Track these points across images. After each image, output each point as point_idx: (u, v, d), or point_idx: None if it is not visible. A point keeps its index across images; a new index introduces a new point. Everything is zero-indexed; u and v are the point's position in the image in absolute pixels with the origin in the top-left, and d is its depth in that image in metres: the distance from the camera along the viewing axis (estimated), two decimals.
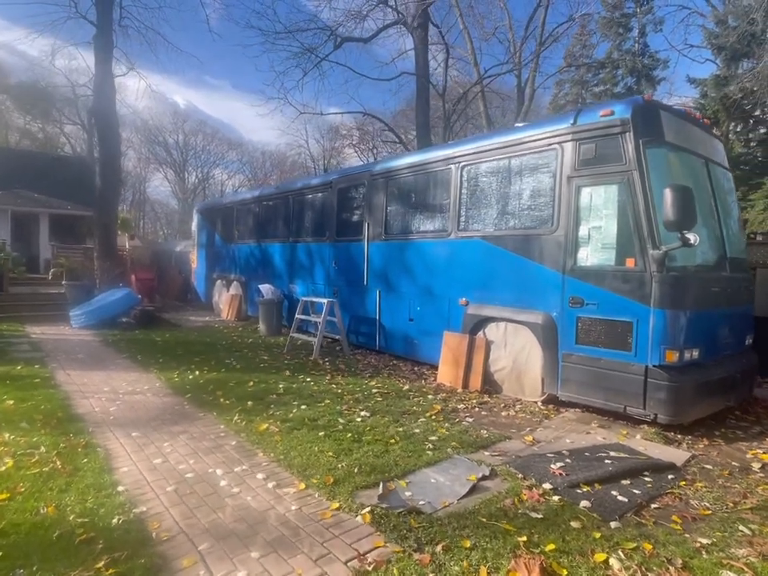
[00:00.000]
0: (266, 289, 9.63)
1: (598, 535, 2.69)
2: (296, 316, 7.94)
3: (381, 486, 3.20)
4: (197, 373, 6.18)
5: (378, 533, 2.67)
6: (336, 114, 19.71)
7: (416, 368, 6.77)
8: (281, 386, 5.60)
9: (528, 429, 4.51)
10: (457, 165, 6.12)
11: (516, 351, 5.46)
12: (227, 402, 4.98)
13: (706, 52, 23.34)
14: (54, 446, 3.67)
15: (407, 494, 3.14)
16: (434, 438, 4.13)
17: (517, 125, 6.34)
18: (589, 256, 4.78)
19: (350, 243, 8.02)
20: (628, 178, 4.49)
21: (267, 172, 58.85)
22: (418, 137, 13.81)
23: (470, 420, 4.68)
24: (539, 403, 5.28)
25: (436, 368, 6.54)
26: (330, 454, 3.69)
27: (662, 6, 25.73)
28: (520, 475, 3.44)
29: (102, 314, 9.72)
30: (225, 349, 7.89)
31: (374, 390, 5.54)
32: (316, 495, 3.09)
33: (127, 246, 16.08)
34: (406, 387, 5.72)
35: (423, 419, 4.61)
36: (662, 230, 4.32)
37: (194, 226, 14.69)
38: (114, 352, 7.57)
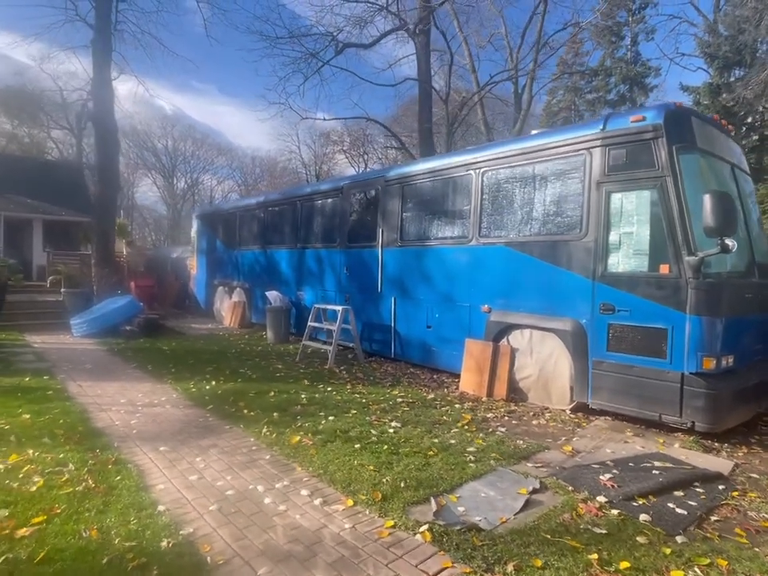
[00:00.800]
0: (273, 296, 9.48)
1: (668, 551, 2.61)
2: (308, 323, 7.80)
3: (432, 501, 3.09)
4: (213, 383, 6.02)
5: (442, 552, 2.56)
6: (338, 119, 19.66)
7: (435, 376, 6.67)
8: (303, 396, 5.46)
9: (564, 438, 4.43)
10: (477, 170, 6.06)
11: (543, 359, 5.39)
12: (251, 413, 4.84)
13: (698, 60, 23.78)
14: (83, 463, 3.51)
15: (460, 509, 3.03)
16: (472, 449, 4.03)
17: (534, 131, 6.31)
18: (620, 262, 4.74)
19: (363, 250, 7.92)
20: (661, 183, 4.46)
21: (257, 178, 58.73)
22: (421, 143, 13.80)
23: (503, 430, 4.59)
24: (568, 411, 5.21)
25: (456, 376, 6.46)
26: (371, 467, 3.57)
27: (653, 15, 26.14)
28: (570, 488, 3.35)
29: (104, 323, 9.49)
30: (236, 357, 7.72)
31: (399, 400, 5.43)
32: (367, 512, 2.97)
33: (124, 253, 15.80)
34: (431, 396, 5.62)
35: (456, 429, 4.51)
36: (697, 235, 4.30)
37: (193, 231, 14.48)
38: (122, 362, 7.36)
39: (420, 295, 6.87)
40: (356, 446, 4.00)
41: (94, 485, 3.18)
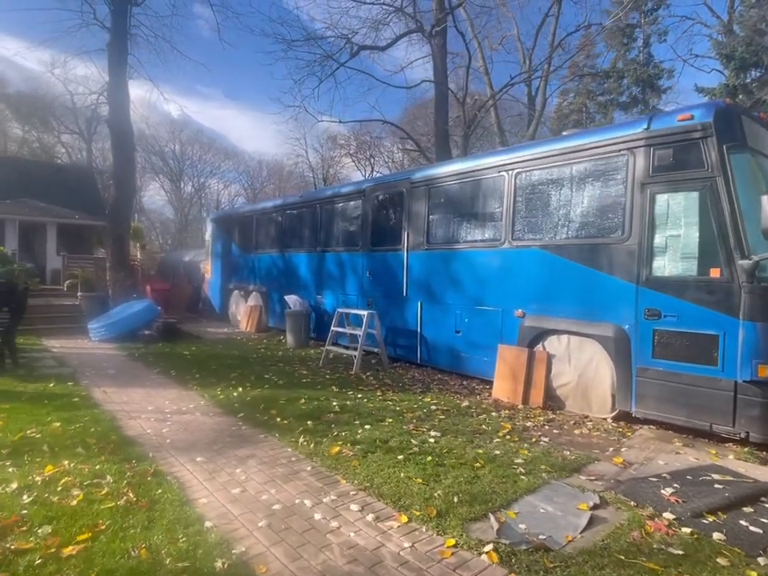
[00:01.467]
0: (292, 300, 9.35)
1: (753, 574, 2.44)
2: (332, 328, 7.66)
3: (491, 518, 2.93)
4: (240, 389, 5.89)
5: (513, 575, 2.41)
6: (354, 122, 19.48)
7: (464, 382, 6.51)
8: (334, 403, 5.32)
9: (611, 449, 4.26)
10: (510, 172, 5.92)
11: (582, 365, 5.22)
12: (284, 421, 4.70)
13: (712, 62, 23.56)
14: (121, 475, 3.38)
15: (521, 526, 2.88)
16: (519, 460, 3.87)
17: (565, 132, 6.17)
18: (667, 266, 4.58)
19: (387, 253, 7.79)
20: (711, 184, 4.30)
21: (264, 181, 58.89)
22: (437, 145, 13.67)
23: (546, 440, 4.43)
24: (609, 420, 5.03)
25: (487, 382, 6.30)
26: (419, 480, 3.42)
27: (665, 16, 25.91)
28: (632, 503, 3.19)
29: (122, 327, 9.40)
30: (258, 363, 7.59)
31: (433, 407, 5.28)
32: (424, 529, 2.82)
33: (138, 257, 15.77)
34: (465, 404, 5.46)
35: (498, 439, 4.36)
36: (750, 238, 4.13)
37: (207, 235, 14.42)
38: (144, 367, 7.26)
39: (448, 299, 6.72)
40: (399, 457, 3.85)
41: (135, 498, 3.05)
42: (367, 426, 4.58)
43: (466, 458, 3.88)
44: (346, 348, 7.84)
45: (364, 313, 7.16)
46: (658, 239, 4.62)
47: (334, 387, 6.07)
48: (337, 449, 3.98)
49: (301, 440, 4.20)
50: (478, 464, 3.76)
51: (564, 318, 5.36)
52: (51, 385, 5.90)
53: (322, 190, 11.00)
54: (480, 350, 6.29)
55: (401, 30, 14.28)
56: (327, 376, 6.74)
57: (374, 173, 46.03)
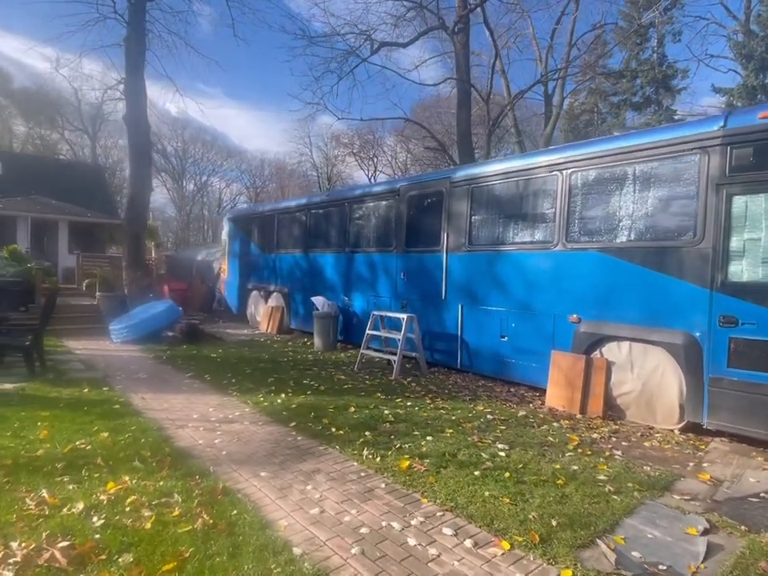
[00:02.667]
0: (320, 302, 9.13)
1: None
2: (367, 331, 7.43)
3: (601, 545, 2.71)
4: (282, 396, 5.67)
5: None
6: (376, 120, 19.32)
7: (511, 389, 6.29)
8: (386, 412, 5.09)
9: (691, 464, 4.04)
10: (564, 171, 5.69)
11: (646, 374, 4.99)
12: (340, 432, 4.47)
13: (728, 62, 23.35)
14: (189, 493, 3.15)
15: (635, 554, 2.65)
16: (601, 477, 3.65)
17: (631, 130, 5.94)
18: (746, 271, 4.35)
19: (424, 254, 7.56)
20: None
21: (266, 180, 58.79)
22: (459, 144, 13.45)
23: (620, 453, 4.21)
24: (676, 431, 4.81)
25: (536, 389, 6.09)
26: (506, 500, 3.20)
27: (679, 16, 25.65)
28: (743, 527, 2.97)
29: (145, 328, 9.17)
30: (292, 367, 7.36)
31: (489, 417, 5.05)
32: (531, 558, 2.60)
33: (153, 255, 15.53)
34: (521, 413, 5.23)
35: (570, 453, 4.13)
36: None
37: (224, 234, 14.19)
38: (175, 371, 7.03)
39: (493, 303, 6.49)
40: (475, 473, 3.62)
41: (212, 521, 2.82)
42: (429, 438, 4.36)
43: (544, 474, 3.65)
44: (380, 351, 7.61)
45: (403, 316, 6.93)
46: (736, 243, 4.39)
47: (378, 394, 5.84)
48: (407, 463, 3.75)
49: (364, 453, 3.97)
50: (560, 481, 3.53)
51: (626, 324, 5.13)
52: (86, 390, 5.68)
53: (350, 189, 10.77)
54: (528, 355, 6.07)
55: (421, 27, 14.06)
56: (368, 382, 6.51)
57: (377, 172, 45.99)
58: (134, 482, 3.28)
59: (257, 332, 11.47)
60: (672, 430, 4.83)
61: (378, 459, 3.86)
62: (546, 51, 19.99)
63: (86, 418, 4.60)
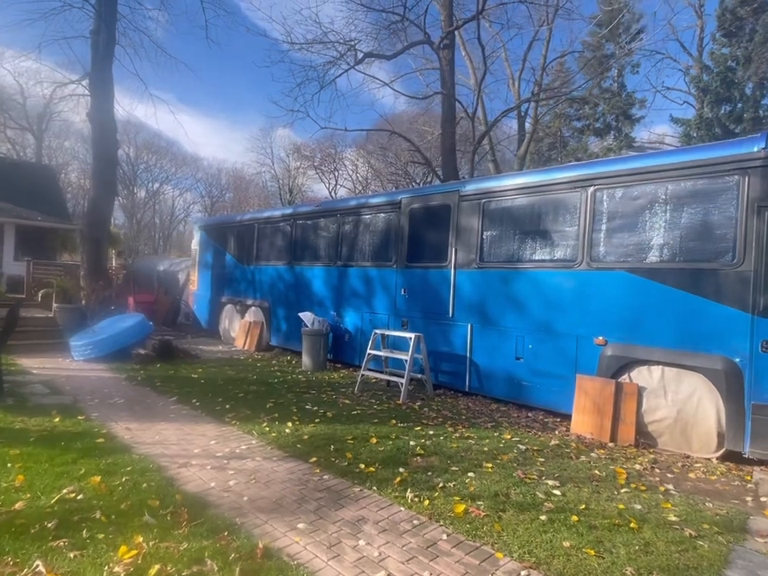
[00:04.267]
0: (308, 318, 8.56)
1: None
2: (368, 351, 6.95)
3: None
4: (289, 424, 5.09)
5: None
6: (359, 131, 18.89)
7: (529, 414, 5.97)
8: (411, 443, 4.63)
9: (749, 498, 3.82)
10: (588, 188, 5.51)
11: (681, 400, 4.80)
12: (370, 468, 3.97)
13: (684, 94, 24.77)
14: (223, 557, 2.57)
15: None
16: (672, 517, 3.35)
17: (663, 148, 5.85)
18: None
19: (428, 270, 7.21)
20: None
21: (223, 189, 57.45)
22: (443, 160, 13.30)
23: (671, 487, 3.94)
24: (714, 460, 4.63)
25: (556, 414, 5.81)
26: (591, 552, 2.82)
27: (636, 48, 27.00)
28: None
29: (112, 345, 8.27)
30: (286, 389, 6.75)
31: (521, 447, 4.69)
32: None
33: (114, 264, 14.37)
34: (553, 442, 4.90)
35: (625, 489, 3.82)
36: None
37: (194, 243, 13.32)
38: (155, 394, 6.27)
39: (507, 323, 6.20)
40: (540, 517, 3.23)
41: None
42: (471, 474, 3.94)
43: (612, 516, 3.31)
44: (380, 372, 7.13)
45: (410, 335, 6.51)
46: None
47: (393, 421, 5.37)
48: (461, 507, 3.31)
49: (408, 495, 3.50)
50: (632, 524, 3.20)
51: (658, 348, 4.94)
52: (57, 420, 4.88)
53: (344, 200, 10.30)
54: (547, 378, 5.79)
55: (405, 41, 13.91)
56: (376, 407, 6.01)
57: (338, 186, 45.93)
58: (150, 543, 2.66)
59: (233, 349, 10.70)
60: (710, 459, 4.64)
61: (427, 503, 3.40)
62: (518, 73, 20.44)
63: (66, 457, 3.87)
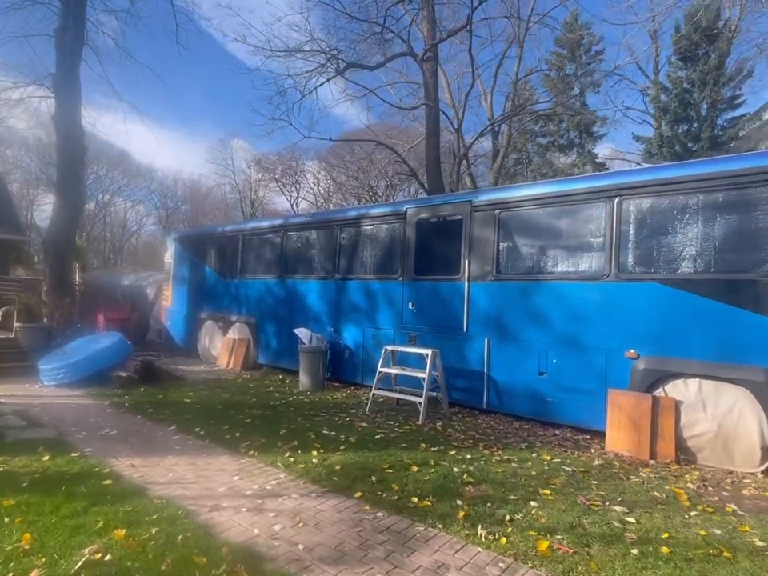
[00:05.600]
0: (305, 334, 8.09)
1: None
2: (379, 369, 6.57)
3: None
4: (314, 453, 4.63)
5: None
6: (344, 141, 18.64)
7: (556, 432, 5.74)
8: (455, 470, 4.28)
9: None
10: (614, 198, 5.41)
11: (722, 413, 4.70)
12: (425, 502, 3.60)
13: (642, 113, 25.95)
14: None
15: None
16: (759, 543, 3.16)
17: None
18: None
19: (438, 283, 6.94)
20: None
21: (179, 201, 55.88)
22: (428, 171, 13.18)
23: (735, 507, 3.77)
24: (758, 474, 4.53)
25: (584, 431, 5.63)
26: None
27: (595, 70, 28.17)
28: None
29: (88, 368, 7.50)
30: (294, 412, 6.26)
31: (567, 469, 4.44)
32: None
33: (77, 279, 13.31)
34: (596, 462, 4.68)
35: (694, 512, 3.61)
36: None
37: (167, 256, 12.53)
38: (149, 422, 5.64)
39: (529, 337, 5.99)
40: (632, 551, 2.97)
41: None
42: (533, 503, 3.63)
43: (699, 545, 3.09)
44: (389, 391, 6.75)
45: (426, 352, 6.19)
46: None
47: (423, 445, 5.00)
48: (545, 544, 3.00)
49: (480, 531, 3.15)
50: (726, 554, 2.98)
51: (694, 360, 4.84)
52: (46, 459, 4.23)
53: (341, 210, 9.90)
54: (574, 394, 5.60)
55: (388, 52, 13.81)
56: (397, 429, 5.63)
57: (300, 199, 45.56)
58: None
59: (216, 368, 10.01)
60: (753, 473, 4.55)
61: (504, 540, 3.07)
62: (491, 89, 20.78)
63: (74, 506, 3.29)
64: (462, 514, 3.41)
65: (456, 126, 15.37)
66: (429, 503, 3.58)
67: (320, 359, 7.89)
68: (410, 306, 7.21)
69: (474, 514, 3.42)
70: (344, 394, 7.58)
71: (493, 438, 5.41)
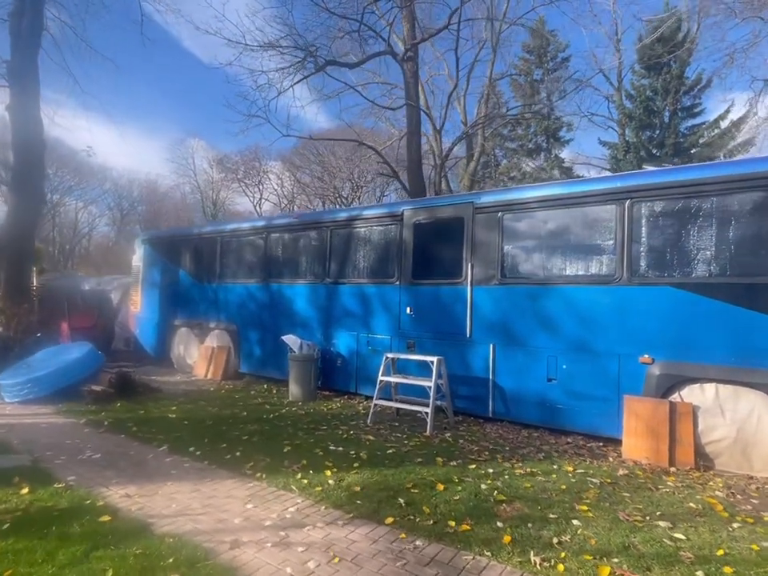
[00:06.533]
0: (293, 341, 7.68)
1: None
2: (380, 377, 6.26)
3: None
4: (327, 473, 4.28)
5: None
6: (326, 140, 18.20)
7: (569, 440, 5.59)
8: (482, 486, 4.04)
9: None
10: (624, 201, 5.32)
11: (741, 418, 4.66)
12: (463, 526, 3.33)
13: (607, 119, 26.70)
14: None
15: None
16: None
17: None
18: None
19: (439, 287, 6.70)
20: None
21: (135, 202, 53.83)
22: (409, 173, 12.98)
23: None
24: None
25: (597, 438, 5.52)
26: None
27: (559, 77, 28.83)
28: None
29: (57, 382, 6.84)
30: (291, 426, 5.86)
31: (594, 480, 4.27)
32: None
33: (34, 283, 12.29)
34: (620, 472, 4.53)
35: (737, 524, 3.50)
36: None
37: (135, 259, 11.77)
38: (135, 442, 5.13)
39: (537, 342, 5.84)
40: (697, 573, 2.80)
41: None
42: (575, 522, 3.43)
43: (757, 562, 2.97)
44: (389, 400, 6.46)
45: (432, 359, 5.93)
46: None
47: (438, 459, 4.73)
48: (606, 570, 2.79)
49: (534, 559, 2.92)
50: None
51: (711, 365, 4.79)
52: (25, 492, 3.70)
53: (333, 212, 9.49)
54: (585, 401, 5.48)
55: (368, 51, 13.52)
56: (406, 442, 5.34)
57: (263, 200, 44.76)
58: None
59: (193, 378, 9.43)
60: None
61: (561, 568, 2.84)
62: (463, 92, 20.81)
63: (72, 550, 2.83)
64: (507, 538, 3.16)
65: (438, 127, 15.27)
66: (468, 527, 3.32)
67: (311, 368, 7.51)
68: (408, 311, 6.95)
69: (519, 538, 3.19)
70: (338, 404, 7.23)
71: (507, 448, 5.21)
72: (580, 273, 5.65)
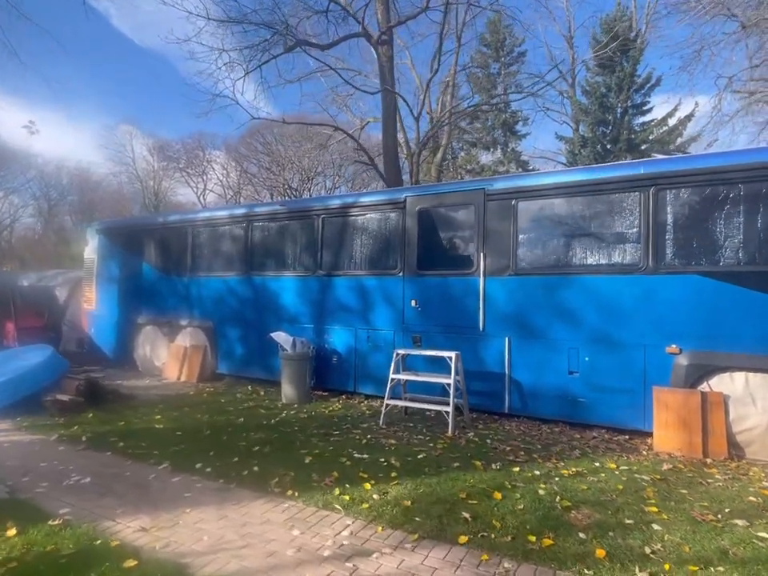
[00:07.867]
0: (284, 339, 7.09)
1: None
2: (391, 375, 5.85)
3: None
4: (366, 486, 3.83)
5: None
6: (300, 124, 17.18)
7: (595, 434, 5.42)
8: (540, 492, 3.73)
9: None
10: (649, 188, 5.19)
11: None
12: (545, 540, 3.00)
13: (562, 114, 27.41)
14: None
15: None
16: None
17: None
18: None
19: (447, 278, 6.36)
20: None
21: (64, 191, 49.90)
22: (385, 160, 12.51)
23: None
24: None
25: (621, 432, 5.39)
26: None
27: (515, 72, 29.26)
28: None
29: (14, 393, 5.90)
30: (300, 432, 5.33)
31: (646, 477, 4.10)
32: None
33: None
34: (665, 467, 4.39)
35: None
36: None
37: (88, 251, 10.61)
38: (127, 461, 4.43)
39: (556, 334, 5.63)
40: None
41: None
42: (655, 527, 3.21)
43: None
44: (398, 399, 6.06)
45: (450, 354, 5.58)
46: None
47: (476, 463, 4.39)
48: None
49: (639, 574, 2.64)
50: None
51: (741, 353, 4.75)
52: (12, 533, 3.00)
53: (325, 198, 8.80)
54: (609, 393, 5.34)
55: (341, 32, 12.88)
56: (431, 444, 4.97)
57: (207, 191, 42.99)
58: None
59: (164, 381, 8.59)
60: None
61: None
62: (426, 83, 20.55)
63: None
64: (600, 551, 2.87)
65: (416, 115, 14.89)
66: (551, 541, 3.00)
67: (306, 367, 6.96)
68: (413, 304, 6.56)
69: (611, 551, 2.90)
70: (339, 405, 6.74)
71: (539, 446, 4.96)
72: (602, 262, 5.48)
